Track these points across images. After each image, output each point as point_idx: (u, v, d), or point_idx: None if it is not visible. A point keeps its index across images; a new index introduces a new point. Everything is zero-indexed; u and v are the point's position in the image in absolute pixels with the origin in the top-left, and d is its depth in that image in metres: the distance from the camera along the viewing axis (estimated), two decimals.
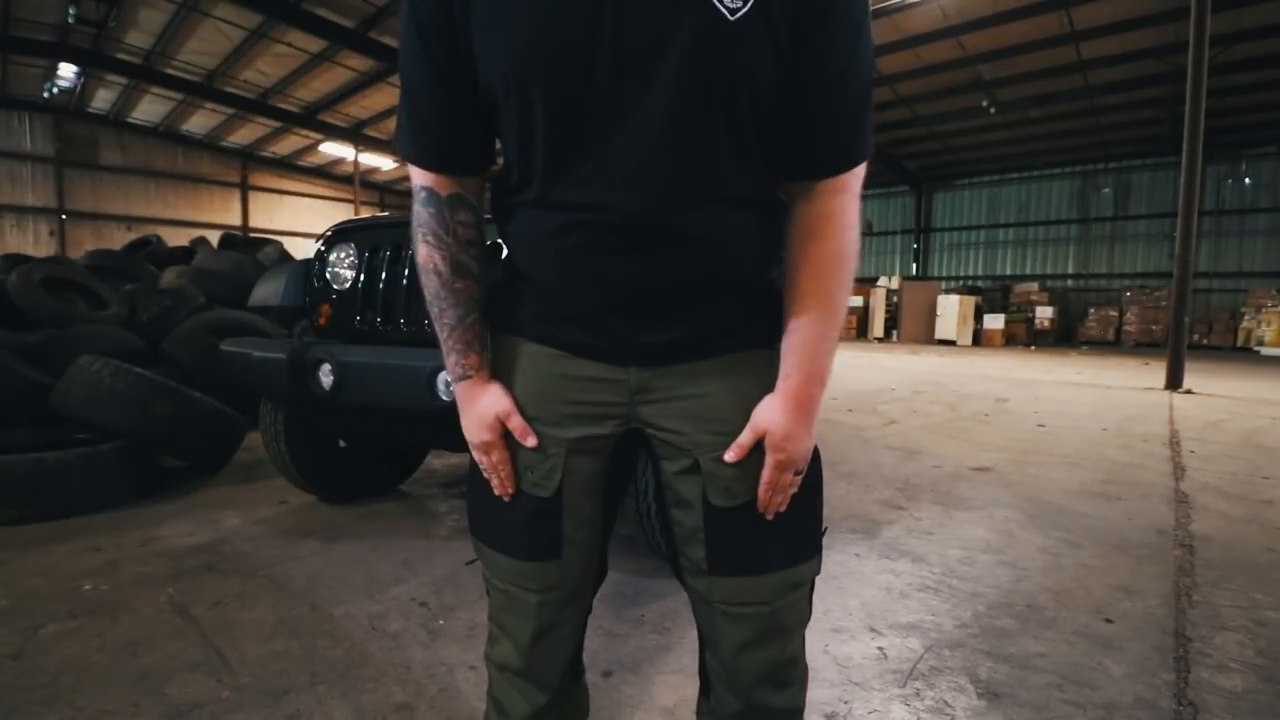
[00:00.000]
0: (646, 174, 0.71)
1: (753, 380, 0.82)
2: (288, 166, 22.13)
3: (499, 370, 0.87)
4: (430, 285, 0.83)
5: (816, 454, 0.86)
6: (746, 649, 0.84)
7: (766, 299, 0.84)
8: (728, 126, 0.71)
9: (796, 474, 0.82)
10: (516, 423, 0.84)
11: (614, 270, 0.76)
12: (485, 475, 0.87)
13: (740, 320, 0.83)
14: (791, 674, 0.87)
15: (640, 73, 0.68)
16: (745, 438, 0.80)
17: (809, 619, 0.89)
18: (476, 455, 0.86)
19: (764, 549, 0.83)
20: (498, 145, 0.82)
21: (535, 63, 0.69)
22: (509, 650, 0.89)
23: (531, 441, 0.84)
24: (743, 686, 0.85)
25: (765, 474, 0.80)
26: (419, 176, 0.81)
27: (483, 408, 0.85)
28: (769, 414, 0.80)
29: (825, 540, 0.90)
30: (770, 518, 0.82)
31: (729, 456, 0.80)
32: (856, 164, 0.76)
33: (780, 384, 0.81)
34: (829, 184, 0.76)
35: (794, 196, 0.79)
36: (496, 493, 0.86)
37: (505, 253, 0.87)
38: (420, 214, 0.81)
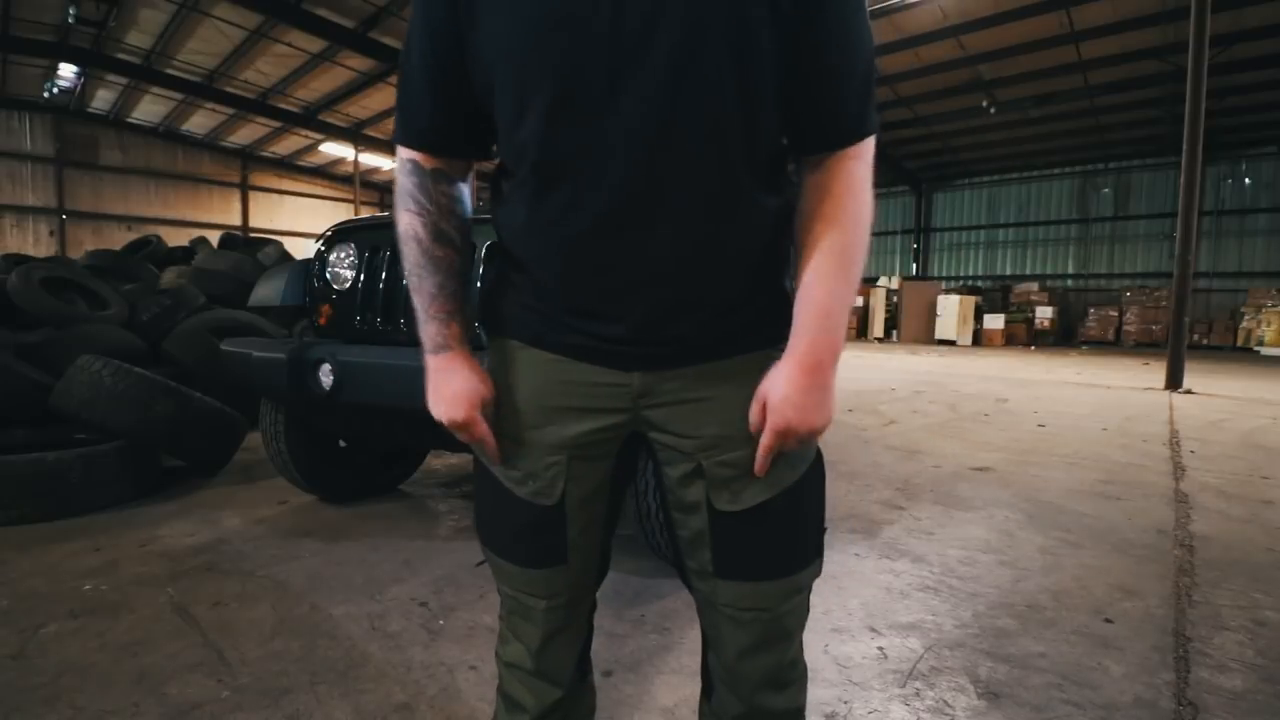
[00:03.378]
0: (644, 147, 0.69)
1: (757, 382, 0.79)
2: (288, 166, 22.12)
3: (495, 374, 0.86)
4: (410, 253, 0.81)
5: (819, 456, 0.84)
6: (749, 654, 0.84)
7: (777, 303, 0.81)
8: (729, 95, 0.69)
9: (801, 441, 0.76)
10: (491, 414, 0.84)
11: (616, 252, 0.73)
12: (483, 462, 0.86)
13: (747, 321, 0.80)
14: (791, 675, 0.86)
15: (637, 43, 0.67)
16: (754, 410, 0.76)
17: (807, 619, 0.89)
18: (456, 435, 0.84)
19: (769, 554, 0.82)
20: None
21: (533, 39, 0.69)
22: (520, 652, 0.89)
23: (494, 453, 0.84)
24: (745, 690, 0.85)
25: (763, 440, 0.76)
26: (403, 151, 0.82)
27: (460, 384, 0.82)
28: (771, 377, 0.76)
29: (825, 540, 0.89)
30: (759, 475, 0.78)
31: (760, 453, 0.77)
32: (865, 135, 0.75)
33: (789, 343, 0.76)
34: (842, 153, 0.75)
35: (806, 170, 0.78)
36: (490, 460, 0.85)
37: (487, 253, 0.88)
38: (403, 184, 0.81)
